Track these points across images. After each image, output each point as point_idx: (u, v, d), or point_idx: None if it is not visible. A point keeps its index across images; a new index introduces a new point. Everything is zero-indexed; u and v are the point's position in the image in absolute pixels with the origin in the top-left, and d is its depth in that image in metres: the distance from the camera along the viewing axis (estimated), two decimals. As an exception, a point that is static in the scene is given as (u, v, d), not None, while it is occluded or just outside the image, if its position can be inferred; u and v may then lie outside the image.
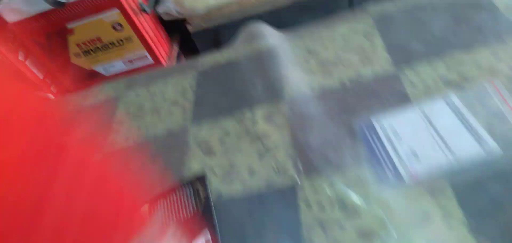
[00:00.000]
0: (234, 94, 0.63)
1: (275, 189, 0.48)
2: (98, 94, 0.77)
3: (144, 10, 1.63)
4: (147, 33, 1.73)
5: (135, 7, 1.65)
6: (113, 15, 1.62)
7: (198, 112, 0.64)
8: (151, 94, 0.72)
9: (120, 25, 1.65)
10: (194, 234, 0.45)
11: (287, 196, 0.46)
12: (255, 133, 0.56)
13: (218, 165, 0.54)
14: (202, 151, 0.57)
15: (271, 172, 0.50)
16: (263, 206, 0.46)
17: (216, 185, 0.51)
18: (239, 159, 0.53)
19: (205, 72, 0.71)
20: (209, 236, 0.44)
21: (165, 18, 1.76)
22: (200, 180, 0.52)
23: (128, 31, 1.74)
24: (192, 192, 0.51)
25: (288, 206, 0.45)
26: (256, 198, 0.48)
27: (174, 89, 0.70)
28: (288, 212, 0.44)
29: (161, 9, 1.72)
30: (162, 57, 1.75)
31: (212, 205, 0.48)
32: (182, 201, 0.50)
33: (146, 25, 1.71)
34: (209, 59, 0.73)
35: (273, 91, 0.59)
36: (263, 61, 0.65)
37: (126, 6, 1.60)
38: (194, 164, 0.55)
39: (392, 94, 0.52)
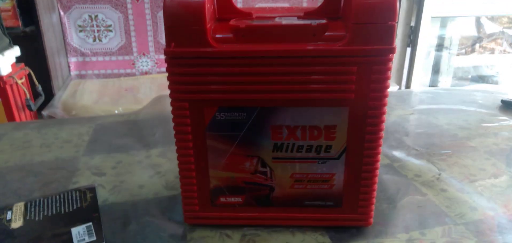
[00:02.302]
0: (131, 139, 0.70)
1: (161, 198, 0.53)
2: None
3: (29, 107, 1.60)
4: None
5: (20, 102, 1.60)
6: (-7, 104, 1.54)
7: (91, 149, 0.67)
8: (42, 134, 0.73)
9: (-4, 115, 1.55)
10: (75, 222, 0.47)
11: (171, 203, 0.51)
12: (149, 163, 0.62)
13: (107, 181, 0.57)
14: (92, 173, 0.59)
15: (161, 187, 0.55)
16: (147, 209, 0.50)
17: (103, 195, 0.54)
18: (129, 178, 0.58)
19: (104, 124, 0.76)
20: (91, 225, 0.46)
21: (50, 120, 1.72)
22: (88, 187, 0.54)
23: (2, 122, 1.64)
24: (78, 194, 0.52)
25: (171, 210, 0.50)
26: (142, 202, 0.52)
27: (69, 132, 0.73)
28: (171, 214, 0.49)
29: (46, 111, 1.70)
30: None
31: (97, 203, 0.50)
32: (65, 199, 0.51)
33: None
34: (109, 117, 0.79)
35: (171, 137, 0.68)
36: (167, 117, 0.74)
37: (11, 99, 1.55)
38: (83, 182, 0.57)
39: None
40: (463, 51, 2.99)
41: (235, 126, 0.41)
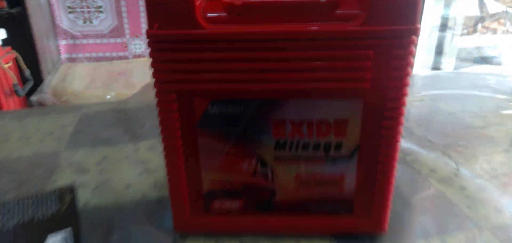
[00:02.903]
0: (118, 130, 0.64)
1: (149, 201, 0.47)
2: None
3: (17, 92, 1.53)
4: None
5: (7, 88, 1.54)
6: (-22, 89, 1.47)
7: (74, 141, 0.61)
8: (22, 125, 0.67)
9: (-17, 102, 1.49)
10: (50, 231, 0.41)
11: (160, 206, 0.46)
12: (137, 158, 0.56)
13: (90, 180, 0.51)
14: (73, 170, 0.54)
15: (149, 187, 0.50)
16: (133, 214, 0.45)
17: (85, 196, 0.48)
18: (115, 176, 0.52)
19: (90, 114, 0.70)
20: (68, 234, 0.41)
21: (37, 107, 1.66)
22: (67, 188, 0.49)
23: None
24: (55, 196, 0.47)
25: (159, 216, 0.45)
26: (128, 205, 0.46)
27: (52, 123, 0.67)
28: (160, 220, 0.44)
29: (35, 97, 1.63)
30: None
31: (77, 207, 0.45)
32: (42, 202, 0.46)
33: (13, 109, 1.58)
34: (95, 105, 0.73)
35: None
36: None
37: (-2, 84, 1.48)
38: (63, 181, 0.51)
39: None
40: (466, 31, 2.93)
41: (230, 121, 0.35)
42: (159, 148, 0.56)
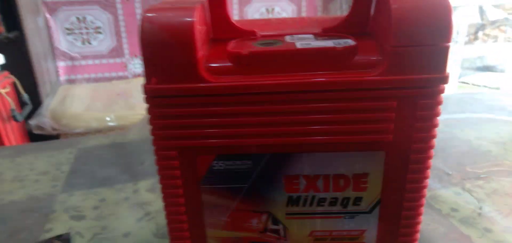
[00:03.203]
0: (116, 168, 0.61)
1: (152, 250, 0.44)
2: None
3: (14, 117, 1.50)
4: (10, 143, 1.55)
5: (4, 114, 1.51)
6: (-24, 115, 1.45)
7: (71, 182, 0.58)
8: (16, 164, 0.64)
9: (-20, 128, 1.46)
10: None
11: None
12: (136, 200, 0.53)
13: (87, 228, 0.48)
14: (69, 216, 0.50)
15: (150, 234, 0.46)
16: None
17: (82, 247, 0.45)
18: (113, 223, 0.49)
19: (87, 149, 0.67)
20: None
21: (36, 131, 1.63)
22: (62, 238, 0.45)
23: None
24: (49, 250, 0.43)
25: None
26: (129, 257, 0.43)
27: (47, 161, 0.64)
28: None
29: (33, 122, 1.60)
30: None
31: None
32: (35, 258, 0.42)
33: (11, 135, 1.55)
34: (92, 139, 0.70)
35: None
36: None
37: (-5, 110, 1.45)
38: (58, 229, 0.48)
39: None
40: (467, 38, 2.90)
41: (238, 177, 0.32)
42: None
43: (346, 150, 0.31)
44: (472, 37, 3.03)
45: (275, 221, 0.34)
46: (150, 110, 0.29)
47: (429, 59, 0.27)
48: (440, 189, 0.52)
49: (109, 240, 0.46)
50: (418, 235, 0.34)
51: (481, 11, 2.88)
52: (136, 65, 1.94)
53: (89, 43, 1.86)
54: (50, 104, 1.69)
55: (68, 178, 0.59)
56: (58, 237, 0.46)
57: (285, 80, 0.28)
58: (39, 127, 1.60)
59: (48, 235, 0.46)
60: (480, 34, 3.03)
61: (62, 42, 1.85)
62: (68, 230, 0.47)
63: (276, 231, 0.34)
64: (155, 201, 0.52)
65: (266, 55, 0.29)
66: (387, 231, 0.34)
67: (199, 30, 0.28)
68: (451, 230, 0.45)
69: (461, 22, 2.44)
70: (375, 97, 0.29)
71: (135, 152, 0.65)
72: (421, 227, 0.43)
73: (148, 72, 0.28)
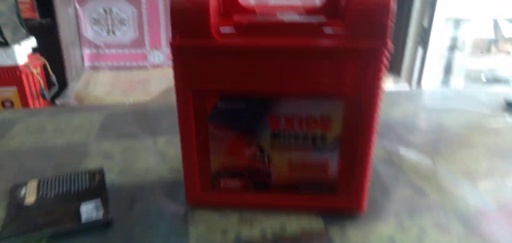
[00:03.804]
0: (139, 127, 0.73)
1: (165, 182, 0.56)
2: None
3: (43, 96, 1.65)
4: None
5: (34, 91, 1.66)
6: (8, 91, 1.60)
7: (101, 134, 0.70)
8: (55, 120, 0.76)
9: (11, 103, 1.61)
10: (84, 200, 0.50)
11: (175, 186, 0.54)
12: (155, 150, 0.65)
13: (115, 165, 0.60)
14: (101, 157, 0.62)
15: (166, 172, 0.58)
16: (152, 190, 0.53)
17: (111, 177, 0.57)
18: (136, 163, 0.60)
19: (113, 113, 0.80)
20: (99, 203, 0.49)
21: (63, 110, 1.77)
22: (97, 170, 0.57)
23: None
24: (87, 175, 0.55)
25: (174, 193, 0.52)
26: (148, 185, 0.55)
27: (80, 119, 0.77)
28: (174, 196, 0.52)
29: (59, 101, 1.75)
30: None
31: (105, 184, 0.53)
32: (76, 179, 0.54)
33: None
34: (117, 107, 0.83)
35: (177, 127, 0.71)
36: (174, 108, 0.77)
37: (27, 88, 1.61)
38: (93, 165, 0.60)
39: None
40: (479, 52, 2.96)
41: (235, 115, 0.43)
42: (175, 142, 0.65)
43: (315, 98, 0.42)
44: (484, 51, 3.09)
45: (262, 151, 0.45)
46: (173, 61, 0.41)
47: (374, 30, 0.39)
48: (406, 155, 0.63)
49: (133, 173, 0.58)
50: (370, 167, 0.45)
51: (496, 26, 2.94)
52: (156, 57, 2.08)
53: (114, 33, 2.01)
54: (75, 87, 1.84)
55: (99, 131, 0.71)
56: (94, 169, 0.58)
57: (272, 42, 0.40)
58: (64, 107, 1.75)
59: (85, 168, 0.59)
60: (493, 48, 3.09)
61: (89, 31, 2.00)
62: (100, 166, 0.59)
63: (262, 160, 0.46)
64: (170, 151, 0.64)
65: (260, 24, 0.41)
66: (345, 164, 0.45)
67: (213, 5, 0.40)
68: (408, 181, 0.55)
69: (468, 34, 2.51)
70: (337, 58, 0.40)
71: (155, 117, 0.77)
72: (383, 178, 0.54)
73: (173, 32, 0.40)
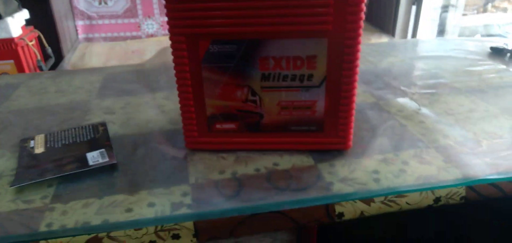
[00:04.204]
0: (138, 85, 0.76)
1: (165, 130, 0.59)
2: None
3: (40, 68, 1.66)
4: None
5: (31, 64, 1.67)
6: (5, 65, 1.61)
7: (102, 93, 0.73)
8: (56, 83, 0.79)
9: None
10: (90, 149, 0.53)
11: (174, 134, 0.57)
12: (154, 104, 0.68)
13: (117, 118, 0.63)
14: (103, 112, 0.66)
15: (165, 122, 0.61)
16: (153, 137, 0.57)
17: (114, 128, 0.60)
18: (137, 116, 0.64)
19: (113, 74, 0.82)
20: (104, 151, 0.52)
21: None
22: (100, 123, 0.61)
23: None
24: (91, 128, 0.59)
25: (174, 139, 0.56)
26: (149, 133, 0.58)
27: (81, 80, 0.79)
28: (174, 142, 0.55)
29: (59, 73, 1.76)
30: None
31: (109, 134, 0.57)
32: (81, 131, 0.57)
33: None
34: (116, 68, 0.85)
35: (174, 83, 0.74)
36: (170, 67, 0.80)
37: (23, 60, 1.62)
38: (95, 120, 0.63)
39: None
40: (475, 11, 2.95)
41: (227, 58, 0.46)
42: (172, 97, 0.68)
43: (300, 37, 0.45)
44: (480, 9, 3.08)
45: (253, 93, 0.48)
46: (167, 5, 0.44)
47: (353, -31, 0.41)
48: (392, 99, 0.66)
49: (134, 125, 0.61)
50: (354, 106, 0.48)
51: (491, -17, 2.91)
52: (149, 26, 2.08)
53: (105, 3, 2.00)
54: (71, 58, 1.85)
55: (99, 90, 0.74)
56: (97, 122, 0.61)
57: (257, -17, 0.42)
58: (62, 78, 1.76)
59: (89, 122, 0.62)
60: (489, 6, 3.07)
61: (80, 2, 1.99)
62: (103, 120, 0.63)
63: (254, 101, 0.49)
64: (169, 105, 0.67)
65: (245, -33, 0.43)
66: (331, 102, 0.48)
67: (200, -50, 0.42)
68: (393, 121, 0.59)
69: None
70: (318, -3, 0.42)
71: (153, 75, 0.80)
72: (369, 119, 0.58)
73: (166, -23, 0.43)
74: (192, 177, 0.47)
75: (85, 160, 0.50)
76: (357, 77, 0.47)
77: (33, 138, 0.56)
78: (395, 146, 0.52)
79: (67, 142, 0.55)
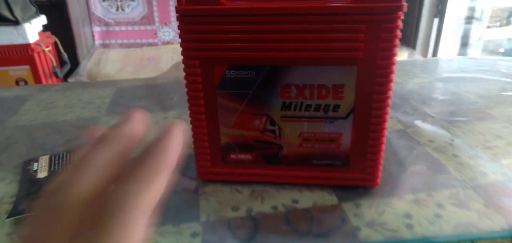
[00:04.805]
0: (149, 101, 0.72)
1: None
2: (4, 92, 0.78)
3: (55, 74, 1.66)
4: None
5: (47, 70, 1.66)
6: (22, 70, 1.61)
7: (111, 109, 0.70)
8: (66, 96, 0.76)
9: (25, 82, 1.63)
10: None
11: (186, 160, 0.53)
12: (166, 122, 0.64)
13: (126, 140, 0.60)
14: (112, 132, 0.62)
15: (176, 146, 0.57)
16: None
17: (122, 152, 0.56)
18: (147, 137, 0.60)
19: (124, 88, 0.79)
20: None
21: (76, 89, 1.78)
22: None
23: (35, 84, 1.70)
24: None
25: (185, 166, 0.52)
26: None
27: (91, 95, 0.76)
28: (185, 170, 0.51)
29: (71, 79, 1.76)
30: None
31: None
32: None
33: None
34: (128, 81, 0.82)
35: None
36: (184, 82, 0.76)
37: (39, 66, 1.61)
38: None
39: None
40: (498, 23, 2.85)
41: (244, 84, 0.42)
42: (185, 117, 0.64)
43: (327, 64, 0.40)
44: (504, 21, 2.98)
45: (272, 123, 0.44)
46: (179, 27, 0.40)
47: (389, -9, 0.36)
48: (422, 127, 0.61)
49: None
50: (384, 140, 0.43)
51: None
52: (165, 33, 2.06)
53: (123, 10, 1.99)
54: (86, 65, 1.84)
55: (109, 106, 0.71)
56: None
57: (280, 5, 0.38)
58: (77, 85, 1.75)
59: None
60: (512, 19, 2.98)
61: (98, 8, 1.99)
62: (111, 141, 0.59)
63: (272, 131, 0.45)
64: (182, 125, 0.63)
65: (267, -14, 0.39)
66: (359, 136, 0.43)
67: (218, -34, 0.38)
68: (424, 154, 0.54)
69: (486, 4, 2.42)
70: (348, 21, 0.38)
71: (165, 91, 0.76)
72: (398, 150, 0.53)
73: (180, -4, 0.39)
74: (203, 214, 0.43)
75: (89, 188, 0.46)
76: (389, 110, 0.42)
77: (37, 160, 0.53)
78: (428, 184, 0.47)
79: (71, 166, 0.51)
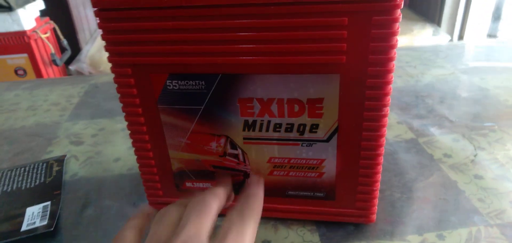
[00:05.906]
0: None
1: (135, 173, 0.46)
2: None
3: (54, 62, 1.60)
4: (52, 84, 1.65)
5: (46, 58, 1.60)
6: (20, 59, 1.56)
7: (76, 112, 0.61)
8: (33, 96, 0.68)
9: (24, 71, 1.57)
10: (33, 201, 0.41)
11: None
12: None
13: (82, 152, 0.51)
14: (69, 142, 0.54)
15: (136, 163, 0.48)
16: (115, 188, 0.44)
17: (74, 168, 0.48)
18: (106, 149, 0.51)
19: (97, 85, 0.70)
20: (48, 205, 0.41)
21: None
22: (57, 159, 0.49)
23: (30, 78, 1.66)
24: (44, 166, 0.47)
25: (142, 191, 0.43)
26: (111, 180, 0.45)
27: (60, 94, 0.68)
28: (139, 197, 0.42)
29: (73, 66, 1.69)
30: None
31: (62, 178, 0.45)
32: (31, 172, 0.46)
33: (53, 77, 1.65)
34: (105, 76, 0.73)
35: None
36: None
37: (37, 54, 1.55)
38: (57, 152, 0.51)
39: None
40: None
41: (192, 98, 0.32)
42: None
43: (298, 72, 0.30)
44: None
45: (234, 146, 0.34)
46: (101, 25, 0.30)
47: (381, -31, 0.25)
48: (437, 135, 0.49)
49: (99, 163, 0.48)
50: (380, 169, 0.33)
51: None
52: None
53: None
54: (89, 50, 1.77)
55: (75, 109, 0.62)
56: (55, 159, 0.49)
57: (231, -7, 0.27)
58: (78, 73, 1.69)
59: (48, 156, 0.50)
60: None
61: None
62: (66, 154, 0.51)
63: (235, 156, 0.35)
64: (148, 132, 0.54)
65: (211, -33, 0.28)
66: (345, 163, 0.33)
67: None
68: (438, 174, 0.42)
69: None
70: (325, 13, 0.27)
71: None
72: (404, 168, 0.42)
73: (96, -15, 0.29)
74: (147, 259, 0.34)
75: (20, 220, 0.38)
76: (385, 131, 0.31)
77: (-31, 181, 0.45)
78: (440, 220, 0.36)
79: (10, 188, 0.44)
